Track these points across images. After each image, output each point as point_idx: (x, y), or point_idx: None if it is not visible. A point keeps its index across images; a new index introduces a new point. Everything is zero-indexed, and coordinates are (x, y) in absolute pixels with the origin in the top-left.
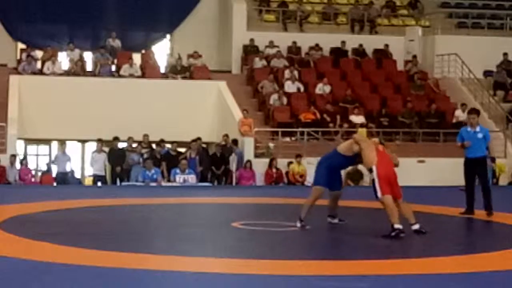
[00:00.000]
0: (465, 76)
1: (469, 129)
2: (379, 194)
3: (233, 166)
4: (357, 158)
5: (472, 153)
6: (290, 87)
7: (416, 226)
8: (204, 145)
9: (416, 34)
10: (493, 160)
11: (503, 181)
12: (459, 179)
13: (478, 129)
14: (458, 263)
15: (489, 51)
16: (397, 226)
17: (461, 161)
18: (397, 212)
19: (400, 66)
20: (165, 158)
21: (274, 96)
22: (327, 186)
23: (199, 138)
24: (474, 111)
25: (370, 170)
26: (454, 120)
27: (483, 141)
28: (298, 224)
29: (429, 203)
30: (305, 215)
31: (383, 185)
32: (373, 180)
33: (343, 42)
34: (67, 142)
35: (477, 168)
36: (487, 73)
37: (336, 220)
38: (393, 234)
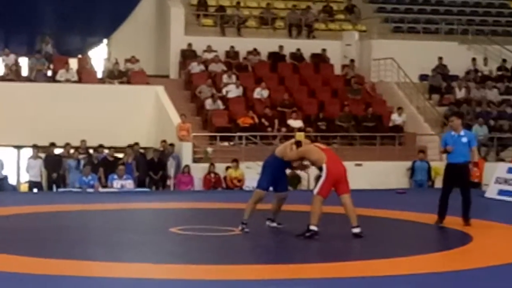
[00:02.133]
0: (401, 80)
1: (453, 133)
2: (315, 191)
3: (171, 171)
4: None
5: (454, 158)
6: (233, 91)
7: (356, 230)
8: (142, 150)
9: (353, 38)
10: (475, 165)
11: (439, 184)
12: (396, 182)
13: (462, 133)
14: (396, 266)
15: (425, 56)
16: (313, 227)
17: (398, 164)
18: (319, 216)
19: (337, 71)
20: (103, 164)
21: (209, 101)
22: (271, 187)
23: (136, 143)
24: (453, 114)
25: (320, 169)
26: (390, 124)
27: (467, 146)
28: (239, 227)
29: (366, 206)
30: (248, 218)
31: (325, 185)
32: (319, 177)
33: (281, 47)
34: (2, 148)
35: (458, 175)
36: (422, 77)
37: (274, 224)
38: (307, 234)
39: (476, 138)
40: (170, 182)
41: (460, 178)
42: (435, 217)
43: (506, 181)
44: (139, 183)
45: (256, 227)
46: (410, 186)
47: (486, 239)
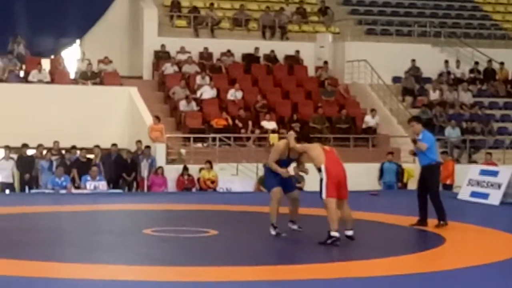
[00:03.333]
0: (374, 82)
1: (417, 137)
2: (323, 195)
3: (144, 172)
4: (291, 161)
5: (419, 161)
6: (208, 92)
7: (349, 232)
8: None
9: (326, 40)
10: (411, 152)
11: (412, 185)
12: (369, 184)
13: (420, 136)
14: (371, 267)
15: (398, 58)
16: (334, 234)
17: (371, 166)
18: (337, 218)
19: (311, 72)
20: (75, 165)
21: (183, 102)
22: (281, 186)
23: (114, 145)
24: (412, 119)
25: (319, 170)
26: (364, 126)
27: (427, 149)
28: (273, 232)
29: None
30: (275, 220)
31: (330, 187)
32: (320, 180)
33: (256, 49)
34: None
35: (422, 177)
36: (395, 79)
37: (295, 226)
38: (329, 241)
39: (431, 142)
40: (143, 184)
41: (425, 180)
42: (409, 219)
43: (478, 183)
44: (111, 184)
45: (230, 228)
46: (380, 187)
47: (458, 240)
